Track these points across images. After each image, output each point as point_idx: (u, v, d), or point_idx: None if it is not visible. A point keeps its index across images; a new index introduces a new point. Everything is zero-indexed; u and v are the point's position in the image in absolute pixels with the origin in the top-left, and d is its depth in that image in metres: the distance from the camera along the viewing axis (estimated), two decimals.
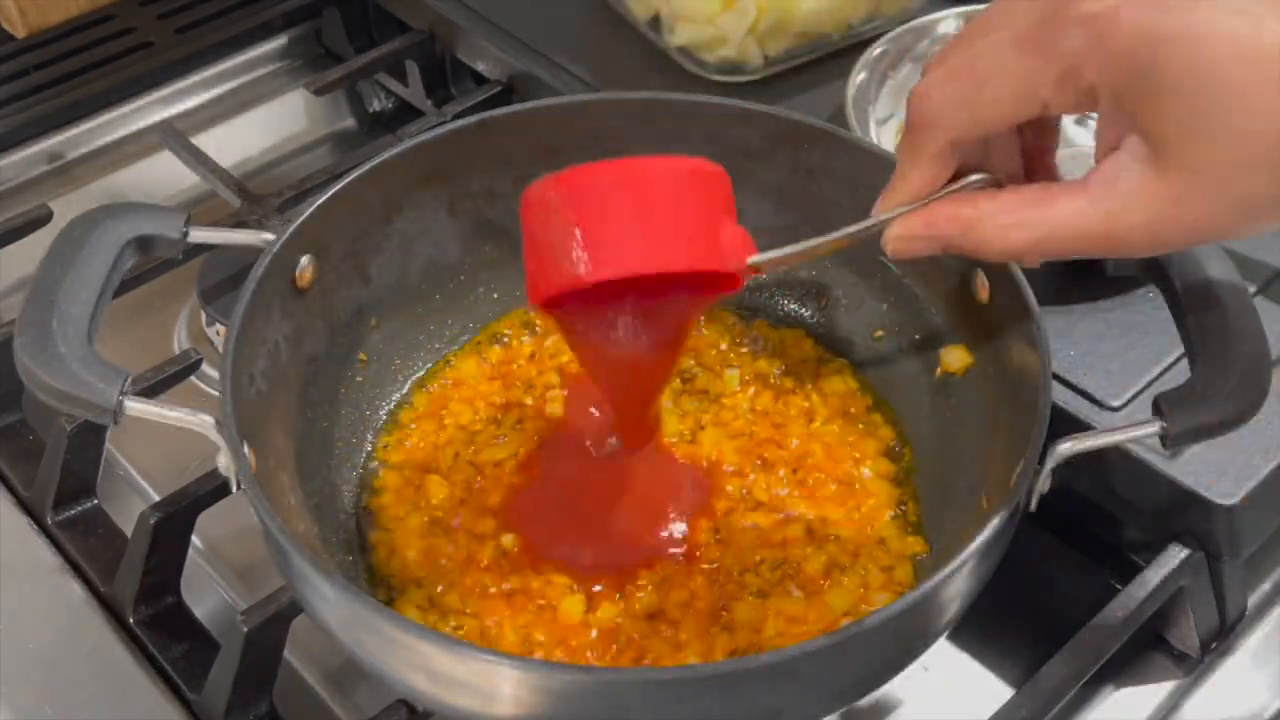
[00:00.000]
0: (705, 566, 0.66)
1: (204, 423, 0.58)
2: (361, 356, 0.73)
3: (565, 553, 0.67)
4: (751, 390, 0.74)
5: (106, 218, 0.63)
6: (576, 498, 0.70)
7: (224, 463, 0.59)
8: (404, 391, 0.75)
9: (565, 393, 0.74)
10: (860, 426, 0.72)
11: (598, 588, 0.65)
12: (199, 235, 0.66)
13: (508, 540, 0.67)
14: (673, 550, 0.67)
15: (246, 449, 0.58)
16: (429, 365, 0.76)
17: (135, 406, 0.58)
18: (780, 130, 0.73)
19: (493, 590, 0.65)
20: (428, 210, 0.74)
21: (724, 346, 0.77)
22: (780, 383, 0.75)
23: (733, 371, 0.75)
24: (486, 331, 0.77)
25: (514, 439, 0.72)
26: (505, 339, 0.77)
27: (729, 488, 0.70)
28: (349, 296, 0.72)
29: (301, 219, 0.67)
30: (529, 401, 0.74)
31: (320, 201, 0.68)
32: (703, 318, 0.77)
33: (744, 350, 0.77)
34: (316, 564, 0.55)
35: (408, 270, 0.75)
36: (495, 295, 0.78)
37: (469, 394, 0.75)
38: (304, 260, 0.68)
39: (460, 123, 0.73)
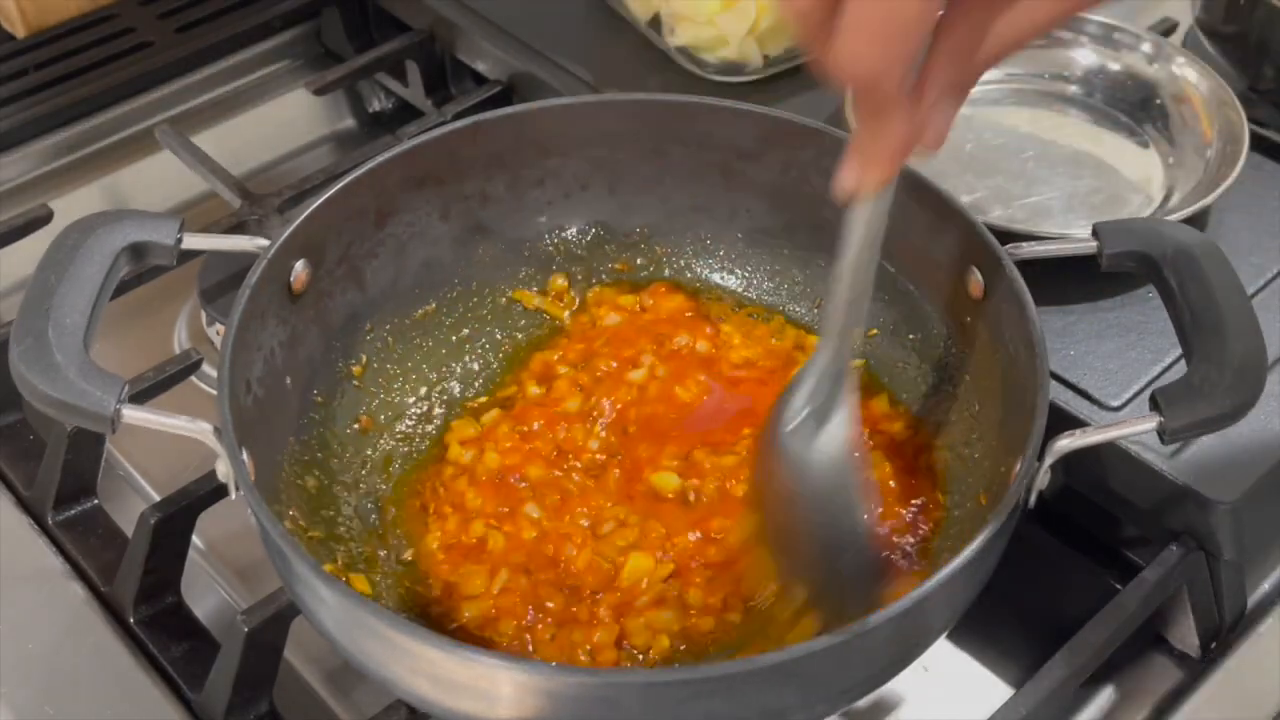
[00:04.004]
0: None
1: (202, 430, 0.58)
2: (358, 360, 0.73)
3: None
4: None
5: (100, 225, 0.63)
6: None
7: (223, 470, 0.59)
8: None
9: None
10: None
11: None
12: (193, 242, 0.65)
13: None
14: None
15: (245, 455, 0.58)
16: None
17: (133, 415, 0.58)
18: (772, 130, 0.73)
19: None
20: (421, 214, 0.74)
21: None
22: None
23: None
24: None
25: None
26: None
27: None
28: (344, 301, 0.72)
29: (295, 224, 0.67)
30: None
31: (313, 206, 0.68)
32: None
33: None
34: (317, 568, 0.55)
35: (402, 274, 0.74)
36: (489, 298, 0.77)
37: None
38: (298, 265, 0.67)
39: (453, 125, 0.73)
